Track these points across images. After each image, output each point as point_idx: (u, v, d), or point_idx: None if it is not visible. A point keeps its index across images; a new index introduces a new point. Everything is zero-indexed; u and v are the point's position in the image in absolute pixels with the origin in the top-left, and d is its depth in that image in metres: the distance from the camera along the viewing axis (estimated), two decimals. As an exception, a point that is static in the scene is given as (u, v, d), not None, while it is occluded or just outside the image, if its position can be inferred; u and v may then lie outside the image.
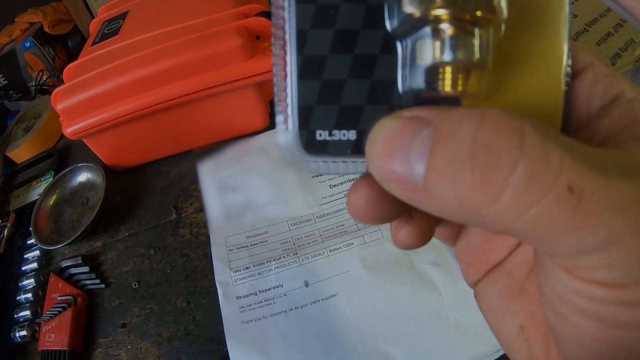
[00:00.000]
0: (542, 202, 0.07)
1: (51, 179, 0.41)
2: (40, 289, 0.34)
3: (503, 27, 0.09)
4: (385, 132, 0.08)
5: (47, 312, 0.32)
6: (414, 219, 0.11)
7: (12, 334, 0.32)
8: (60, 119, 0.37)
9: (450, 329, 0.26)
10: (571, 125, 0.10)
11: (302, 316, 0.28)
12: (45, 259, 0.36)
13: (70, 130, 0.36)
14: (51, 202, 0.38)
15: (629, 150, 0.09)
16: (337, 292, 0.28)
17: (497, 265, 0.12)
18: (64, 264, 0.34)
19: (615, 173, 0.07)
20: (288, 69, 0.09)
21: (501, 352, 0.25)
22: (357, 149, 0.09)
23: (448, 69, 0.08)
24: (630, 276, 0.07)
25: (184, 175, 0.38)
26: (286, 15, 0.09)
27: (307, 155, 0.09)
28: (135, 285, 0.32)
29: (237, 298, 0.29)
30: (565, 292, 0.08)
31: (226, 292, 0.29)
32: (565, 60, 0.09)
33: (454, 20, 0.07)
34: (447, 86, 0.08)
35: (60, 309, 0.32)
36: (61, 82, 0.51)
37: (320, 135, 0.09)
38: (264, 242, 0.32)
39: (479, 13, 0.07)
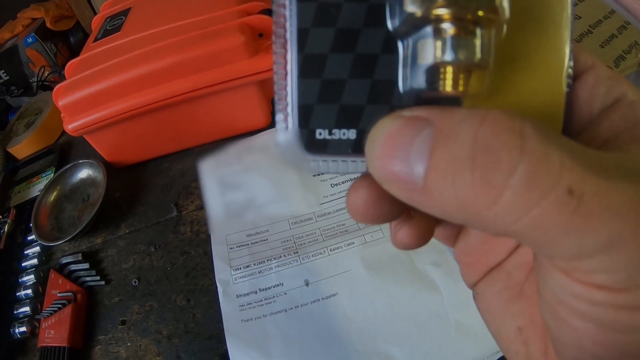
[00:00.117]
0: (542, 204, 0.07)
1: (52, 175, 0.41)
2: (40, 285, 0.34)
3: (505, 27, 0.09)
4: (385, 132, 0.08)
5: (46, 309, 0.32)
6: (413, 220, 0.11)
7: (11, 330, 0.32)
8: (62, 115, 0.37)
9: (450, 329, 0.26)
10: (572, 127, 0.10)
11: (302, 315, 0.28)
12: (46, 255, 0.36)
13: (71, 126, 0.36)
14: (52, 199, 0.38)
15: (630, 152, 0.08)
16: (337, 291, 0.28)
17: (496, 266, 0.12)
18: (64, 260, 0.34)
19: (616, 175, 0.07)
20: (288, 67, 0.09)
21: (501, 354, 0.25)
22: (357, 148, 0.09)
23: (449, 69, 0.08)
24: (630, 280, 0.07)
25: (185, 172, 0.38)
26: (287, 13, 0.09)
27: (307, 154, 0.09)
28: (135, 282, 0.32)
29: (237, 296, 0.29)
30: (564, 295, 0.08)
31: (226, 291, 0.29)
32: (566, 61, 0.09)
33: (456, 20, 0.07)
34: (448, 86, 0.08)
35: (60, 306, 0.32)
36: (63, 78, 0.51)
37: (320, 134, 0.09)
38: (264, 240, 0.31)
39: (480, 13, 0.07)
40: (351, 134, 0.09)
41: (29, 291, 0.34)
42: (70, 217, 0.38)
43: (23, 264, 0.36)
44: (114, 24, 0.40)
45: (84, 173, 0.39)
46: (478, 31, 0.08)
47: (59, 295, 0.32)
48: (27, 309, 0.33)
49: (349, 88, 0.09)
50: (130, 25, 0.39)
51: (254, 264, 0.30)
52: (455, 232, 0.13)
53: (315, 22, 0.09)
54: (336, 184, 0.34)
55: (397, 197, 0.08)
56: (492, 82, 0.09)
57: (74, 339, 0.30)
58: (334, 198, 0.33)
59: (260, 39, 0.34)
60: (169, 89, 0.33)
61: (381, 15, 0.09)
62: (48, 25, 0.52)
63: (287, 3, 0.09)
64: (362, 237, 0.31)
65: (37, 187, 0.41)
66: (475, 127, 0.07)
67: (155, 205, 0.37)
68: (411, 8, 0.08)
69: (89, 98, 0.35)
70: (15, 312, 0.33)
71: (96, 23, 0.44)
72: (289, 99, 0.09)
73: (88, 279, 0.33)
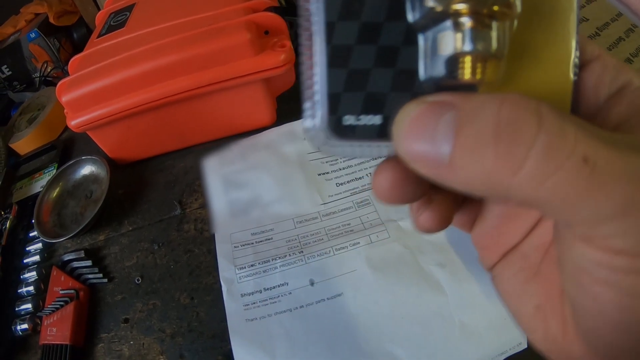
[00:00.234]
0: (560, 172, 0.07)
1: (54, 171, 0.40)
2: (42, 282, 0.34)
3: (516, 21, 0.09)
4: (411, 116, 0.09)
5: (49, 306, 0.32)
6: (433, 204, 0.12)
7: (13, 327, 0.31)
8: (65, 111, 0.37)
9: (455, 330, 0.26)
10: (580, 114, 0.10)
11: (307, 315, 0.27)
12: (48, 252, 0.36)
13: (74, 122, 0.35)
14: (54, 195, 0.38)
15: (638, 135, 0.09)
16: (342, 291, 0.28)
17: (513, 248, 0.12)
18: (67, 257, 0.34)
19: (627, 149, 0.08)
20: (316, 58, 0.09)
21: (505, 355, 0.25)
22: (382, 133, 0.10)
23: (468, 59, 0.08)
24: (632, 243, 0.07)
25: (188, 170, 0.38)
26: (314, 7, 0.09)
27: (335, 140, 0.10)
28: (138, 280, 0.32)
29: (242, 295, 0.29)
30: (585, 263, 0.08)
31: (230, 290, 0.29)
32: (573, 52, 0.10)
33: (473, 14, 0.08)
34: (467, 74, 0.08)
35: (62, 303, 0.31)
36: (66, 73, 0.51)
37: (348, 120, 0.10)
38: (269, 239, 0.31)
39: (496, 7, 0.08)
40: (377, 119, 0.10)
41: (31, 288, 0.33)
42: (73, 213, 0.37)
43: (25, 261, 0.36)
44: (118, 20, 0.40)
45: (86, 169, 0.39)
46: (494, 24, 0.08)
47: (61, 292, 0.32)
48: (28, 306, 0.32)
49: (374, 77, 0.09)
50: (134, 21, 0.39)
51: (259, 263, 0.30)
52: (472, 218, 0.13)
53: (341, 16, 0.09)
54: (341, 184, 0.34)
55: (423, 175, 0.09)
56: (504, 72, 0.09)
57: (76, 336, 0.30)
58: (339, 197, 0.33)
59: (266, 37, 0.34)
60: (174, 86, 0.33)
61: (402, 10, 0.09)
62: (51, 20, 0.51)
63: (312, 4, 0.09)
64: (368, 237, 0.31)
65: (40, 183, 0.40)
66: (496, 107, 0.08)
67: (159, 203, 0.36)
68: (431, 3, 0.08)
69: (92, 94, 0.34)
70: (16, 309, 0.33)
71: (100, 19, 0.43)
72: (316, 87, 0.09)
73: (90, 276, 0.33)
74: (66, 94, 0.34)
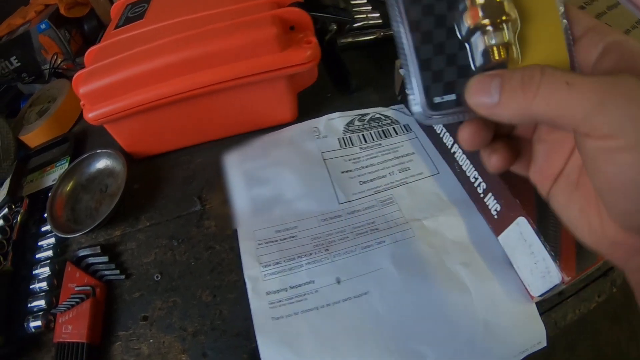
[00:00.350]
0: (555, 93, 0.13)
1: (67, 164, 0.39)
2: (56, 278, 0.33)
3: (519, 23, 0.15)
4: (475, 83, 0.15)
5: (63, 303, 0.31)
6: (496, 151, 0.17)
7: (25, 324, 0.30)
8: (82, 103, 0.36)
9: (479, 329, 0.26)
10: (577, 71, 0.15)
11: (334, 313, 0.27)
12: (61, 247, 0.35)
13: (92, 115, 0.35)
14: (67, 189, 0.37)
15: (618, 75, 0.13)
16: (368, 289, 0.28)
17: (559, 175, 0.17)
18: (82, 252, 0.33)
19: (597, 76, 0.12)
20: (411, 67, 0.15)
21: (526, 353, 0.26)
22: (457, 103, 0.16)
23: (494, 48, 0.14)
24: (620, 127, 0.12)
25: (207, 165, 0.37)
26: (404, 41, 0.15)
27: (432, 112, 0.16)
28: (157, 277, 0.31)
29: (267, 293, 0.28)
30: (593, 153, 0.13)
31: (255, 287, 0.28)
32: (563, 34, 0.15)
33: (492, 24, 0.14)
34: (495, 57, 0.14)
35: (77, 300, 0.30)
36: (77, 65, 0.50)
37: (437, 100, 0.15)
38: (293, 237, 0.31)
39: (503, 17, 0.14)
40: (452, 96, 0.15)
41: (44, 284, 0.32)
42: (87, 208, 0.36)
43: (37, 256, 0.35)
44: (136, 11, 0.39)
45: (101, 163, 0.38)
46: (504, 25, 0.14)
47: (76, 289, 0.31)
48: (41, 302, 0.31)
49: (446, 73, 0.15)
50: (153, 12, 0.38)
51: (284, 261, 0.29)
52: (527, 163, 0.18)
53: (422, 42, 0.15)
54: (364, 182, 0.34)
55: (483, 115, 0.15)
56: (521, 55, 0.15)
57: (93, 334, 0.29)
58: (363, 196, 0.33)
59: (291, 32, 0.33)
60: (197, 80, 0.33)
61: (454, 32, 0.15)
62: (62, 12, 0.50)
63: (404, 40, 0.15)
64: (393, 235, 0.30)
65: (51, 177, 0.39)
66: (520, 73, 0.14)
67: (177, 199, 0.36)
68: (468, 22, 0.14)
69: (111, 86, 0.34)
70: (29, 305, 0.32)
71: (116, 10, 0.42)
72: (414, 84, 0.16)
73: (107, 272, 0.32)
74: (84, 85, 0.34)
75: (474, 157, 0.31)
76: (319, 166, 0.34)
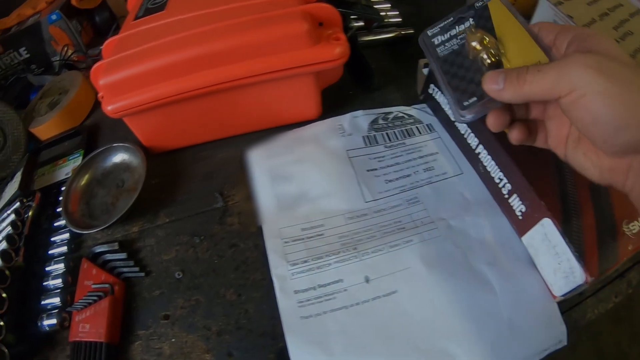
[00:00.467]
0: (534, 80, 0.19)
1: (80, 158, 0.38)
2: (70, 275, 0.32)
3: (498, 43, 0.22)
4: (489, 75, 0.21)
5: (80, 300, 0.29)
6: (515, 128, 0.22)
7: (38, 322, 0.29)
8: (99, 95, 0.35)
9: (504, 327, 0.26)
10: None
11: (363, 312, 0.27)
12: (75, 243, 0.34)
13: (111, 107, 0.34)
14: (82, 183, 0.36)
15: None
16: (397, 288, 0.28)
17: (567, 137, 0.22)
18: (98, 249, 0.32)
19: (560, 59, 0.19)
20: (443, 86, 0.23)
21: (548, 351, 0.26)
22: (479, 101, 0.21)
23: (486, 58, 0.22)
24: (575, 84, 0.17)
25: (229, 161, 0.37)
26: (436, 69, 0.23)
27: (464, 112, 0.22)
28: (179, 275, 0.30)
29: (295, 292, 0.27)
30: (567, 106, 0.18)
31: (283, 286, 0.28)
32: (534, 42, 0.21)
33: (482, 46, 0.22)
34: (488, 61, 0.22)
35: (95, 298, 0.29)
36: (89, 57, 0.49)
37: (465, 103, 0.22)
38: (320, 235, 0.30)
39: (486, 40, 0.22)
40: (474, 99, 0.22)
41: (58, 281, 0.31)
42: (103, 203, 0.35)
43: (50, 252, 0.33)
44: (157, 3, 0.38)
45: (118, 157, 0.37)
46: (490, 44, 0.22)
47: (93, 286, 0.30)
48: (56, 300, 0.30)
49: (465, 86, 0.22)
50: (175, 4, 0.37)
51: (312, 259, 0.29)
52: (544, 136, 0.23)
53: (445, 73, 0.23)
54: (390, 180, 0.34)
55: (494, 97, 0.21)
56: (508, 59, 0.21)
57: (112, 333, 0.28)
58: (389, 194, 0.33)
59: (320, 28, 0.33)
60: (224, 74, 0.32)
61: (466, 55, 0.23)
62: (73, 3, 0.49)
63: (438, 76, 0.23)
64: (420, 234, 0.30)
65: (64, 170, 0.38)
66: (516, 70, 0.20)
67: (198, 194, 0.35)
68: (473, 44, 0.22)
69: (133, 78, 0.33)
70: (42, 303, 0.30)
71: (134, 1, 0.42)
72: (449, 97, 0.22)
73: (125, 269, 0.31)
74: (105, 77, 0.33)
75: (498, 158, 0.31)
76: (345, 164, 0.34)
